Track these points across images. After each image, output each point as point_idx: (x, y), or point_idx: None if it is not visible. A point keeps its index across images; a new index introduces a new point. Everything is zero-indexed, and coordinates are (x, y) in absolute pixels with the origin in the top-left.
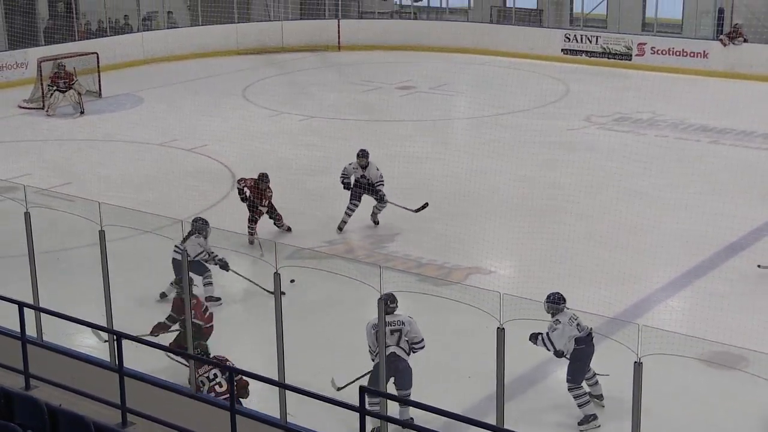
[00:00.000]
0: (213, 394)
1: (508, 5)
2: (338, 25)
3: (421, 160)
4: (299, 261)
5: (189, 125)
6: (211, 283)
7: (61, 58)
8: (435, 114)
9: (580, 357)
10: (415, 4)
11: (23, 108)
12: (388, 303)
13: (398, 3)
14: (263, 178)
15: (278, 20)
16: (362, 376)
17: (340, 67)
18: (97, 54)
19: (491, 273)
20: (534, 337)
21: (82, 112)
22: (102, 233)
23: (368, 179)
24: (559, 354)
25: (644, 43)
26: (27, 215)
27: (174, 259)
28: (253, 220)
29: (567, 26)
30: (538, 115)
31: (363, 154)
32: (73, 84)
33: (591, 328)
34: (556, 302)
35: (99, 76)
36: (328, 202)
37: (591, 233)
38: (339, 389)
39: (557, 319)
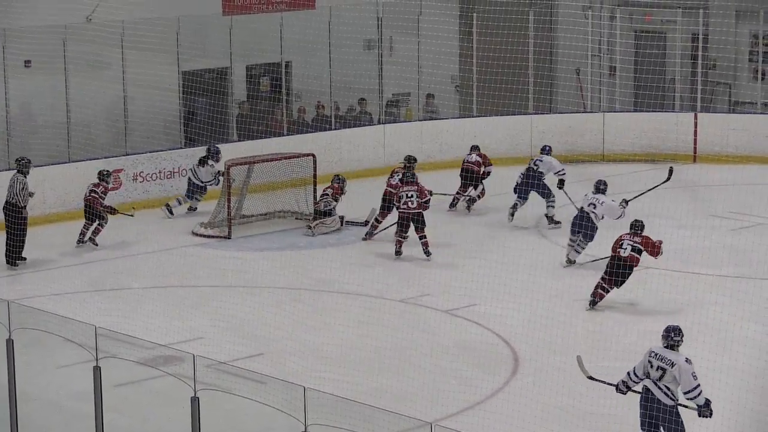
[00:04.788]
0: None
1: None
2: (695, 123)
3: None
4: None
5: (449, 272)
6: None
7: (257, 161)
8: None
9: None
10: None
11: (200, 236)
12: (672, 336)
13: None
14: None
15: (597, 112)
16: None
17: (696, 190)
18: (314, 156)
19: None
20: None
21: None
22: None
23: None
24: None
25: None
26: (195, 401)
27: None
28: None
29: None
30: None
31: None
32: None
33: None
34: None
35: (315, 190)
36: None
37: None
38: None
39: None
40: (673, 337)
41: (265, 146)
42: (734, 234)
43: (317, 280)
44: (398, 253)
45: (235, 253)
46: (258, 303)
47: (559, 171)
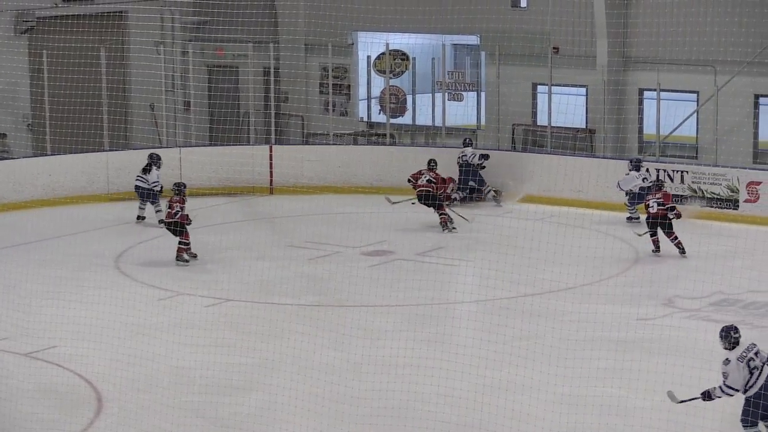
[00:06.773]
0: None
1: (540, 122)
2: (270, 155)
3: (402, 371)
4: None
5: (27, 314)
6: (161, 210)
7: None
8: (425, 296)
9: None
10: (394, 120)
11: None
12: (731, 333)
13: (365, 119)
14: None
15: (173, 147)
16: None
17: (274, 221)
18: None
19: None
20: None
21: None
22: None
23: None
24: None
25: (758, 183)
26: None
27: (137, 186)
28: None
29: (635, 155)
30: (592, 297)
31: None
32: None
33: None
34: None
35: None
36: None
37: None
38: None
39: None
40: (732, 334)
41: None
42: (312, 263)
43: None
44: None
45: None
46: None
47: None
